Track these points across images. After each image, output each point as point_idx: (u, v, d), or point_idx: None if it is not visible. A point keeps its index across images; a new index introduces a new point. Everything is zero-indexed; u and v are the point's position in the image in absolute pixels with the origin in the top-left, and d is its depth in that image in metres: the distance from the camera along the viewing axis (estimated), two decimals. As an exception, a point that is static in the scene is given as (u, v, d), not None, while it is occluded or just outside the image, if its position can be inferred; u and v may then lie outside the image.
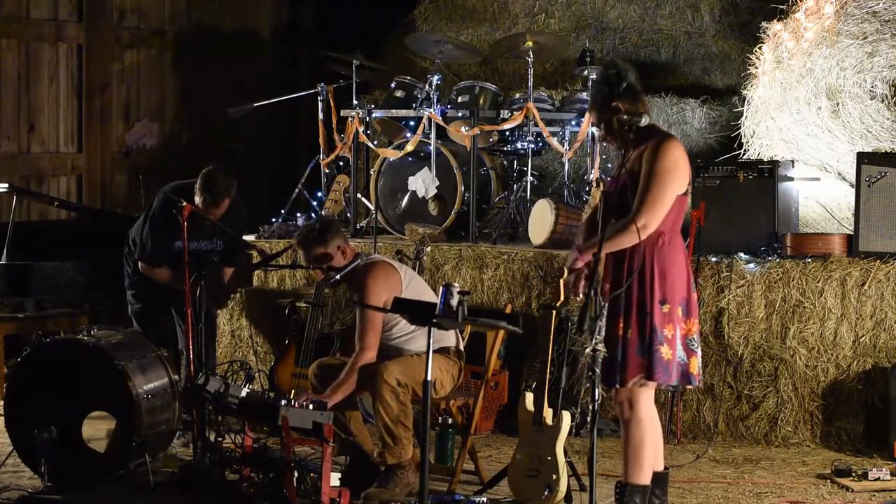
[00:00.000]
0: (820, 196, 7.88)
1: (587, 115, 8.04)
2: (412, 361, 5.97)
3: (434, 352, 5.97)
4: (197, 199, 6.87)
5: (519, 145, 8.44)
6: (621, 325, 5.10)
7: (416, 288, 6.13)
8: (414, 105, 8.53)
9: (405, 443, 5.88)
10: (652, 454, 5.26)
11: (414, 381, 5.83)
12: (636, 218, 5.02)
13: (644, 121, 5.15)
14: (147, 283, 7.11)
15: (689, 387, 5.40)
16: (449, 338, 6.12)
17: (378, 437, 5.91)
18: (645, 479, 5.23)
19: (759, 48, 8.09)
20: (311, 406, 5.50)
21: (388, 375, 5.85)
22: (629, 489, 5.22)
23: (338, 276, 6.13)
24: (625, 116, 5.17)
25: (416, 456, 5.83)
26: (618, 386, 5.14)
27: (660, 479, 5.35)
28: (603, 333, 4.94)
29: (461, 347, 6.20)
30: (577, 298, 5.18)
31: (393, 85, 8.75)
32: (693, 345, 5.18)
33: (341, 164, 8.99)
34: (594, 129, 8.09)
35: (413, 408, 6.05)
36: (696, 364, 5.18)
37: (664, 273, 5.11)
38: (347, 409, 6.08)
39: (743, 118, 8.08)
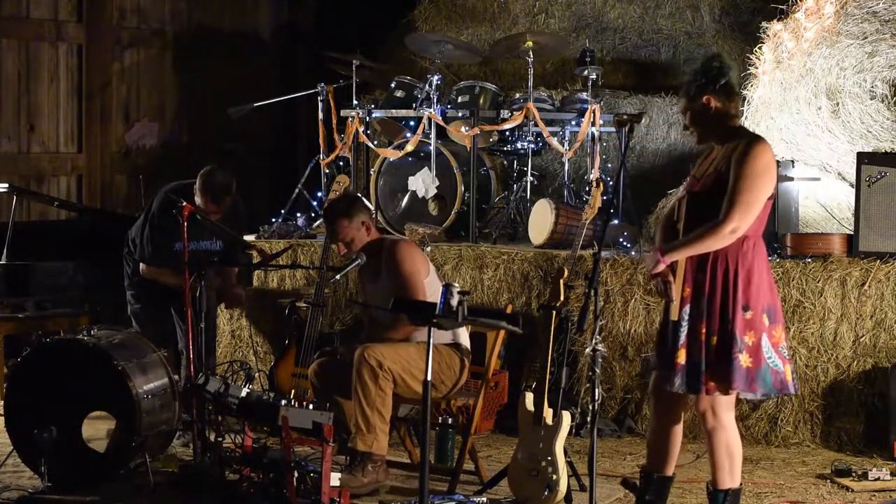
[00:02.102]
0: (820, 196, 7.88)
1: (587, 114, 8.04)
2: (406, 350, 5.88)
3: (444, 345, 5.97)
4: (197, 200, 6.87)
5: (519, 145, 8.43)
6: (704, 330, 4.94)
7: (434, 275, 6.11)
8: (414, 105, 8.52)
9: (379, 434, 5.78)
10: (741, 457, 5.16)
11: (403, 368, 5.77)
12: (727, 221, 4.85)
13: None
14: (147, 283, 7.10)
15: (785, 395, 5.27)
16: (457, 333, 6.04)
17: (353, 421, 5.84)
18: (737, 481, 5.12)
19: (759, 48, 8.09)
20: (311, 407, 5.49)
21: (370, 353, 5.77)
22: (730, 494, 5.10)
23: (359, 253, 6.08)
24: (625, 116, 5.15)
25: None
26: (703, 394, 4.98)
27: (665, 483, 5.29)
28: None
29: (468, 346, 6.15)
30: (674, 303, 4.98)
31: (393, 85, 8.74)
32: (785, 352, 5.02)
33: (341, 164, 8.99)
34: (593, 130, 8.09)
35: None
36: (789, 371, 5.02)
37: (749, 278, 4.93)
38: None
39: (743, 118, 8.07)
